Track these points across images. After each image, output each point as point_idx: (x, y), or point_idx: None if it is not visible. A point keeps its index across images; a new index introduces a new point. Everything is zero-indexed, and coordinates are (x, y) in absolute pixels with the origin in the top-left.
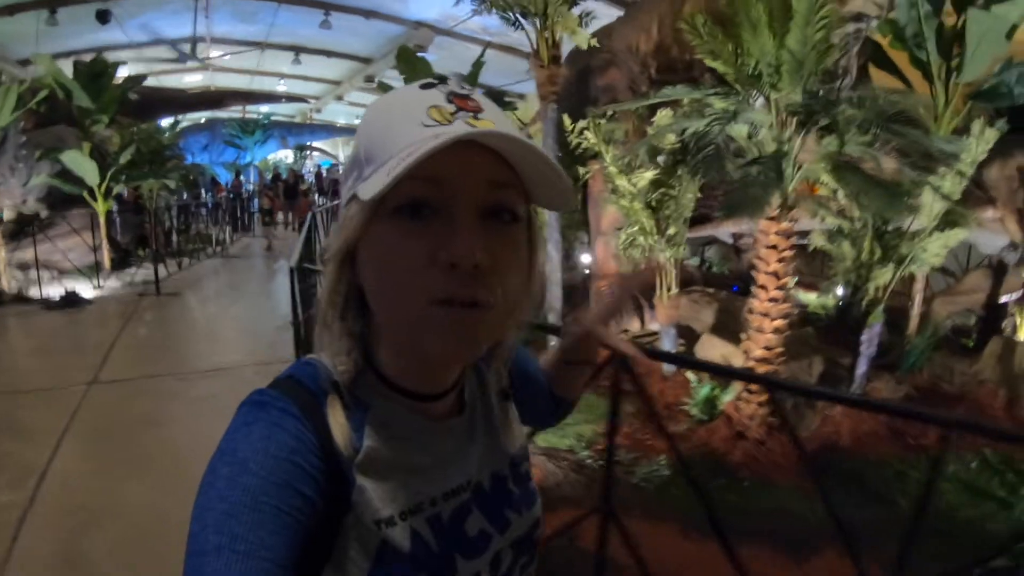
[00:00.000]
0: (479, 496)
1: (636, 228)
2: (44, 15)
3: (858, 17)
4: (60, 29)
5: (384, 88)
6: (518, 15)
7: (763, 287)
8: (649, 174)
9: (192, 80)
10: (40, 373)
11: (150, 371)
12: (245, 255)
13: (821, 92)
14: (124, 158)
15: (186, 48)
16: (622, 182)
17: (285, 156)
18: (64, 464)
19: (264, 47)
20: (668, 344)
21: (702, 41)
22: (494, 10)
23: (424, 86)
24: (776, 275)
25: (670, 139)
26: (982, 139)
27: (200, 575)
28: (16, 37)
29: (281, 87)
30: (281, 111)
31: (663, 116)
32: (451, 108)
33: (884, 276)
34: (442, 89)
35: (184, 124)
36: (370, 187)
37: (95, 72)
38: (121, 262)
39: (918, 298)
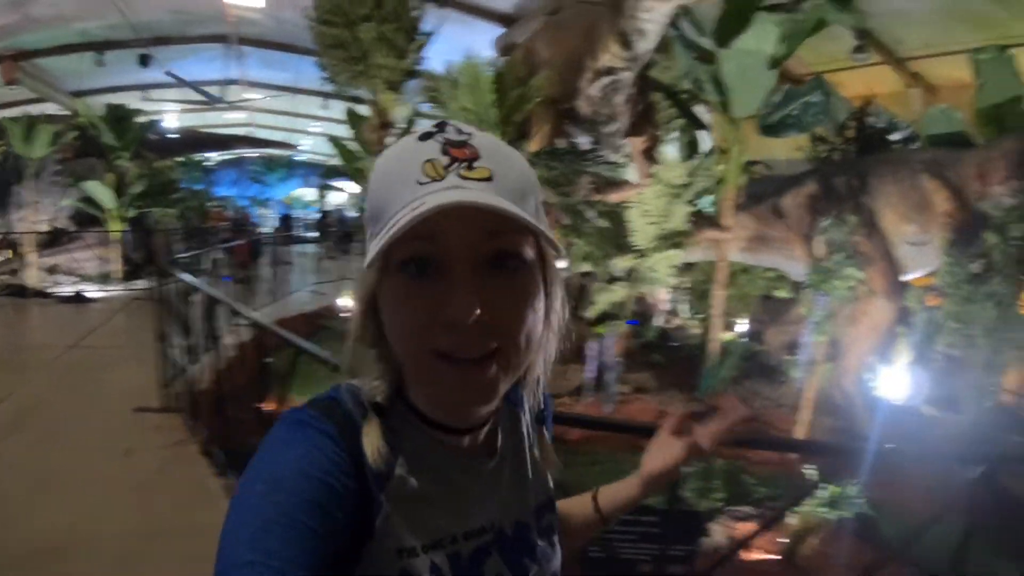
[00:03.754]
0: (500, 541)
1: None
2: (93, 56)
3: (609, 71)
4: (107, 69)
5: (352, 116)
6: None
7: None
8: None
9: (232, 118)
10: (39, 338)
11: (115, 344)
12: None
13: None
14: (136, 189)
15: (218, 90)
16: None
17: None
18: (31, 386)
19: (294, 92)
20: None
21: (441, 105)
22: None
23: (423, 136)
24: None
25: None
26: (670, 168)
27: None
28: (69, 72)
29: (315, 128)
30: (321, 150)
31: None
32: (444, 161)
33: (617, 294)
34: (439, 139)
35: (223, 158)
36: (371, 250)
37: (118, 115)
38: (132, 274)
39: (717, 323)
